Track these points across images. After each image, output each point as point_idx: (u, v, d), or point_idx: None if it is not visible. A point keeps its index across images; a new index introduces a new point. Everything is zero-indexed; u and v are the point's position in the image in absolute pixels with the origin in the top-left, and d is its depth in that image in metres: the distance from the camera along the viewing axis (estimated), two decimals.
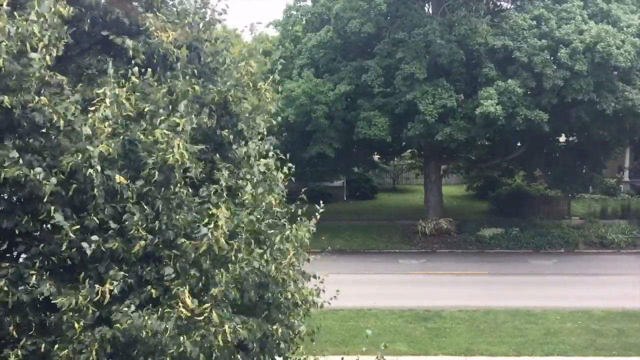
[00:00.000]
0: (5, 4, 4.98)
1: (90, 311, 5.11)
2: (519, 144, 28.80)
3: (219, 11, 7.13)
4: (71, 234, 5.07)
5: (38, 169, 5.03)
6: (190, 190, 5.75)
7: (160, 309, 5.14)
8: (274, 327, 6.01)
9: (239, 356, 5.52)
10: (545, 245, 26.97)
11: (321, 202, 7.15)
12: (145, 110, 5.67)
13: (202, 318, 5.08)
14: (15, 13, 5.04)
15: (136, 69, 5.83)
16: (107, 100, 5.35)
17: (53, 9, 5.13)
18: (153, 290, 5.30)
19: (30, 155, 5.13)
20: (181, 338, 5.01)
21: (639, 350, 16.11)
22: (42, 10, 5.07)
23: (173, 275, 5.32)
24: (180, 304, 5.06)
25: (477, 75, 24.99)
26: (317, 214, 7.13)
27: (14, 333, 5.10)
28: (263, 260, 5.81)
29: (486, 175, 36.86)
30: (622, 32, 24.01)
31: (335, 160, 27.72)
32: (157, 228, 5.45)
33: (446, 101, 24.23)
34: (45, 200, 5.06)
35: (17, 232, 5.22)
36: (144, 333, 4.93)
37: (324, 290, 7.22)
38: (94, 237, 5.18)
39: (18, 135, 5.20)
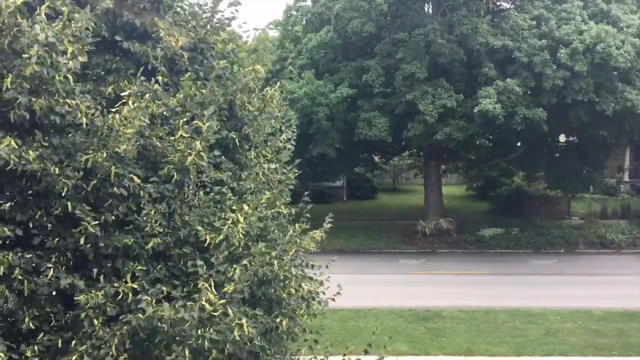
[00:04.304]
0: (43, 13, 5.16)
1: (109, 308, 5.20)
2: (519, 144, 28.83)
3: (230, 17, 7.19)
4: (91, 228, 5.19)
5: (56, 165, 5.16)
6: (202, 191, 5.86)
7: (181, 301, 5.22)
8: (278, 319, 6.08)
9: (248, 347, 5.59)
10: (545, 245, 26.97)
11: (327, 218, 7.22)
12: (163, 113, 5.80)
13: (217, 314, 5.14)
14: (45, 24, 5.19)
15: (160, 77, 5.96)
16: (131, 103, 5.46)
17: (82, 22, 5.32)
18: (164, 288, 5.38)
19: (50, 151, 5.25)
20: (199, 331, 5.08)
21: (639, 350, 16.15)
22: (73, 23, 5.27)
23: (200, 270, 5.41)
24: (203, 298, 5.12)
25: (477, 75, 25.01)
26: (324, 224, 7.17)
27: (30, 324, 5.18)
28: (269, 257, 5.90)
29: (486, 175, 36.90)
30: (622, 32, 24.05)
31: (336, 160, 27.76)
32: (171, 226, 5.55)
33: (446, 101, 24.26)
34: (62, 195, 5.18)
35: (31, 225, 5.33)
36: (165, 325, 5.00)
37: (324, 293, 7.27)
38: (115, 232, 5.31)
39: (41, 132, 5.32)
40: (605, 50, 22.75)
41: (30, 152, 5.06)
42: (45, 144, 5.26)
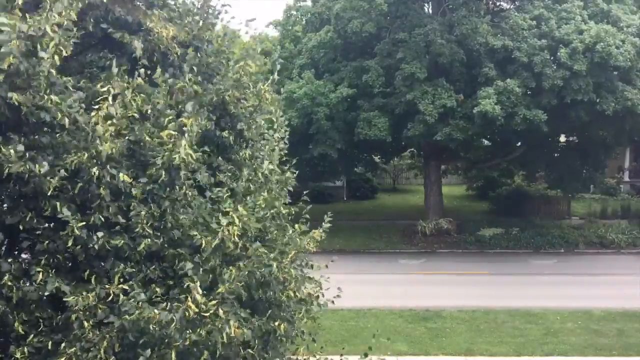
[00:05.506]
0: (20, 2, 4.97)
1: (100, 310, 5.12)
2: (519, 144, 28.81)
3: (220, 10, 7.16)
4: (77, 230, 5.06)
5: (43, 164, 5.01)
6: (197, 192, 5.75)
7: (168, 303, 5.16)
8: (276, 323, 6.03)
9: (242, 353, 5.53)
10: (545, 245, 26.96)
11: (326, 217, 7.23)
12: (148, 111, 5.65)
13: (208, 315, 5.09)
14: (26, 15, 5.04)
15: (142, 70, 5.81)
16: (111, 99, 5.32)
17: (65, 12, 5.13)
18: (157, 289, 5.31)
19: (35, 152, 5.10)
20: (187, 332, 5.02)
21: (639, 350, 16.12)
22: (54, 12, 5.06)
23: (190, 271, 5.34)
24: (190, 299, 5.07)
25: (476, 75, 24.99)
26: (323, 223, 7.17)
27: (20, 329, 5.09)
28: (267, 258, 5.84)
29: (486, 176, 36.89)
30: (622, 32, 24.01)
31: (336, 160, 27.74)
32: (162, 227, 5.45)
33: (446, 101, 24.25)
34: (49, 195, 5.04)
35: (21, 228, 5.21)
36: (152, 326, 4.93)
37: (323, 294, 7.24)
38: (100, 234, 5.17)
39: (24, 132, 5.19)
40: (605, 50, 22.72)
41: (12, 151, 4.87)
42: (27, 142, 5.08)
